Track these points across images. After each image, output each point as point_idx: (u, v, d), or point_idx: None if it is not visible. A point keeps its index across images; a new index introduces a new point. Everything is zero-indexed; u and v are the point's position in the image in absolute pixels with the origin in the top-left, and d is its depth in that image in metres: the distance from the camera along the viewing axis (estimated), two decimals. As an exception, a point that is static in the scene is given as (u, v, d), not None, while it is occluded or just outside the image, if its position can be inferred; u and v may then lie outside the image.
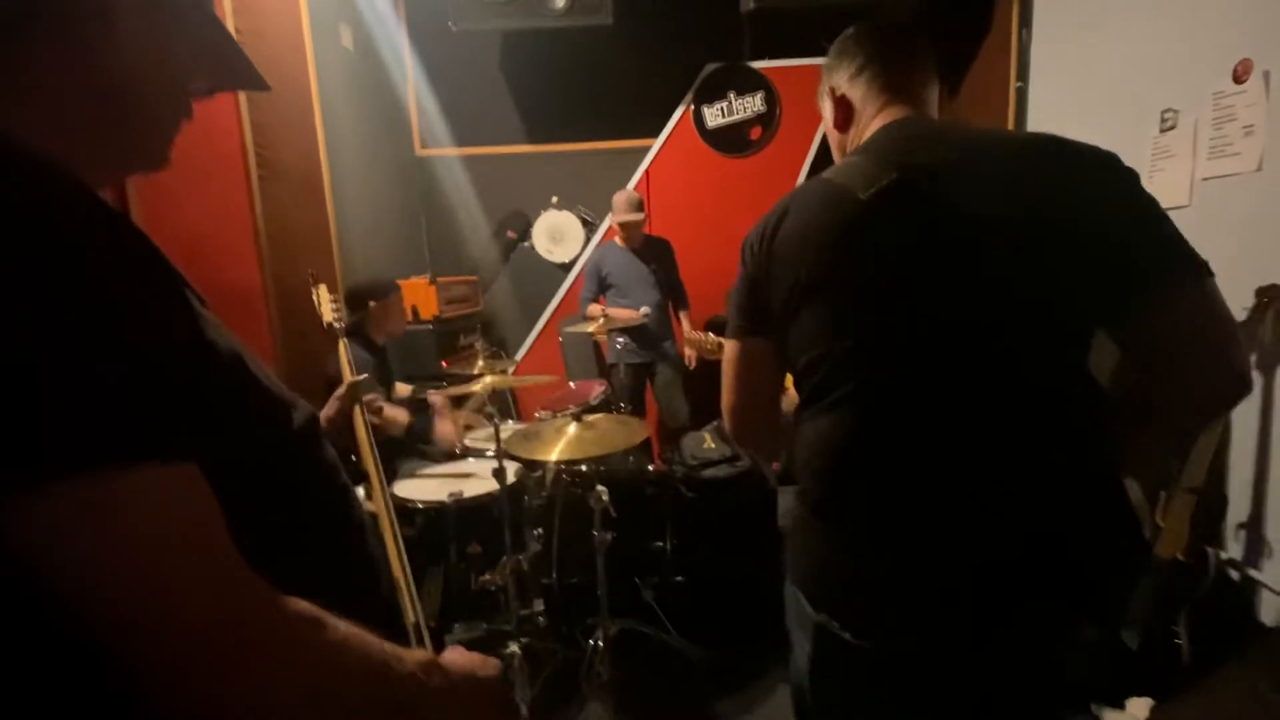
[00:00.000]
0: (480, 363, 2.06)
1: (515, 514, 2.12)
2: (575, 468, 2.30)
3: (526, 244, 4.07)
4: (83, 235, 0.42)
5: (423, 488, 2.18)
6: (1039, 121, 3.17)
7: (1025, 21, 3.15)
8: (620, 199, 3.31)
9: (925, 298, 0.79)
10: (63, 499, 0.38)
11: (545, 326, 4.11)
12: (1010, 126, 3.26)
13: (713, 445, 2.59)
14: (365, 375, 1.65)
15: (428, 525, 2.08)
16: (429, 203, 4.03)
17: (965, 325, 0.79)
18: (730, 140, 3.95)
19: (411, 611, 0.86)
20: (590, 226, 4.03)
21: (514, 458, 2.09)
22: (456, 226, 4.07)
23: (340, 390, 1.47)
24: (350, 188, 3.17)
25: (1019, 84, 3.21)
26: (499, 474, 1.91)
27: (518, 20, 3.33)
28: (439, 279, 3.44)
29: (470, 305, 3.79)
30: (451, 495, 2.05)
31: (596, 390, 2.95)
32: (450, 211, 4.06)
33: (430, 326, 3.33)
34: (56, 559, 0.38)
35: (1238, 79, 2.08)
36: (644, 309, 3.24)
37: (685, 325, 3.57)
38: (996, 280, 0.78)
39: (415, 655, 0.56)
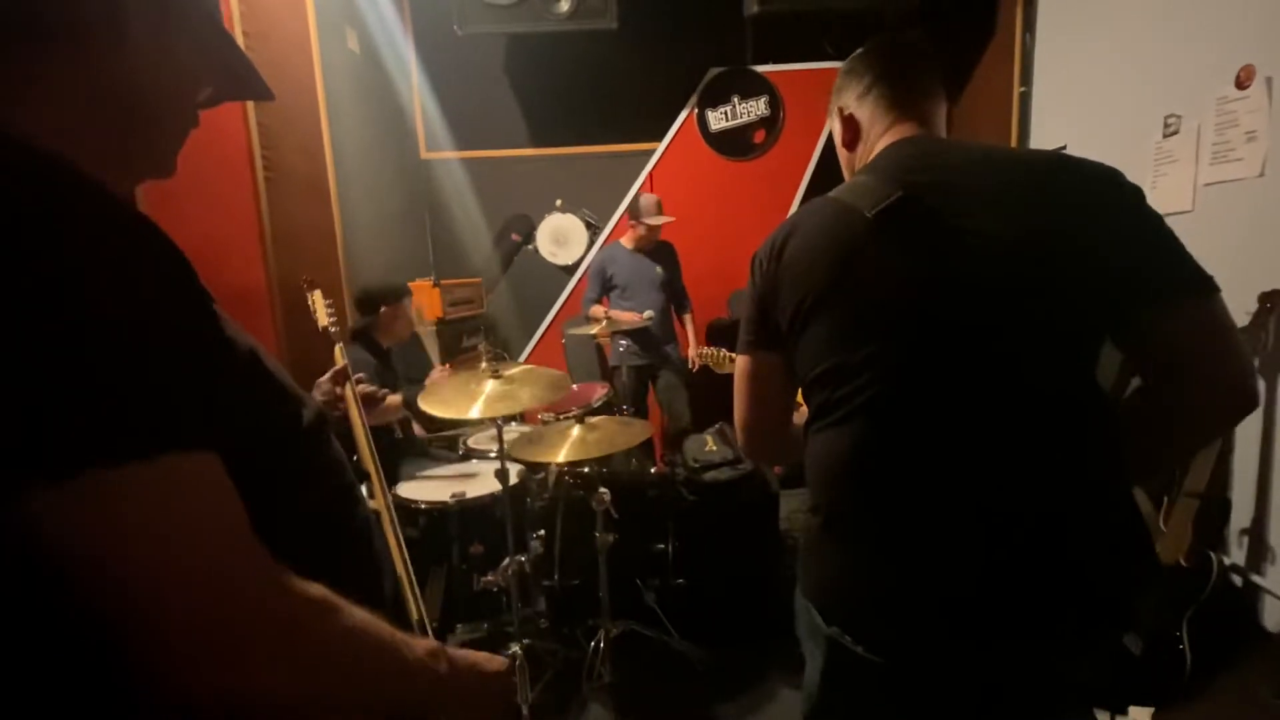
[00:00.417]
0: (483, 365, 2.07)
1: (517, 515, 2.13)
2: (577, 469, 2.31)
3: (530, 247, 4.08)
4: (107, 234, 0.43)
5: (425, 488, 2.19)
6: (1042, 126, 3.17)
7: (1029, 26, 3.16)
8: (648, 201, 3.33)
9: (931, 313, 0.80)
10: (89, 490, 0.39)
11: (548, 329, 4.12)
12: (1013, 130, 3.27)
13: (714, 448, 2.59)
14: (362, 375, 1.65)
15: (430, 525, 2.09)
16: (433, 205, 4.05)
17: (972, 340, 0.79)
18: (734, 144, 3.96)
19: (415, 609, 0.87)
20: (594, 230, 4.04)
21: (517, 460, 2.10)
22: (460, 229, 4.09)
23: (324, 377, 1.47)
24: (355, 190, 3.18)
25: (1022, 88, 3.21)
26: (501, 475, 1.91)
27: (522, 24, 3.35)
28: (443, 281, 3.45)
29: (474, 307, 3.80)
30: (454, 496, 2.06)
31: (599, 392, 2.95)
32: (454, 214, 4.07)
33: (434, 328, 3.35)
34: (82, 548, 0.39)
35: (1240, 84, 2.08)
36: (647, 313, 3.24)
37: (689, 331, 3.58)
38: (1002, 296, 0.79)
39: (423, 643, 0.57)
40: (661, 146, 3.96)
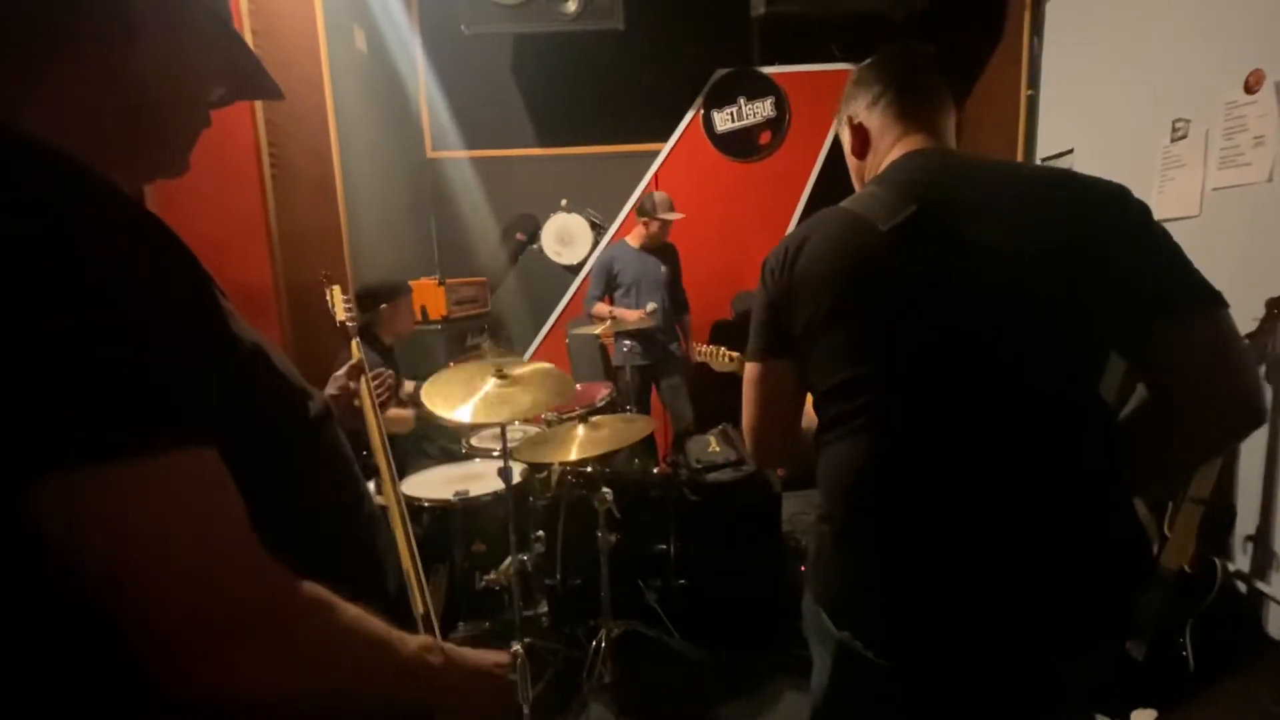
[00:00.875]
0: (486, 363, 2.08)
1: (520, 514, 2.13)
2: (580, 469, 2.31)
3: (535, 246, 4.09)
4: (112, 231, 0.44)
5: (429, 486, 2.19)
6: (1049, 130, 3.16)
7: (1037, 29, 3.15)
8: (662, 197, 3.35)
9: (944, 327, 0.82)
10: (89, 483, 0.39)
11: (552, 328, 4.13)
12: (1020, 135, 3.26)
13: (718, 449, 2.59)
14: (383, 368, 1.66)
15: (433, 523, 2.09)
16: (439, 204, 4.06)
17: (983, 354, 0.81)
18: (739, 145, 3.96)
19: (421, 603, 0.88)
20: (599, 230, 4.04)
21: (521, 459, 2.11)
22: (466, 228, 4.10)
23: (341, 371, 1.48)
24: (362, 188, 3.20)
25: (1030, 92, 3.20)
26: (505, 474, 1.92)
27: (529, 24, 3.36)
28: (448, 280, 3.46)
29: (478, 306, 3.81)
30: (457, 494, 2.06)
31: (602, 392, 2.96)
32: (460, 213, 4.08)
33: (438, 327, 3.36)
34: (81, 541, 0.40)
35: (1249, 89, 2.07)
36: (650, 305, 3.24)
37: (683, 335, 3.59)
38: (1012, 311, 0.80)
39: (417, 638, 0.58)
40: (667, 147, 3.97)
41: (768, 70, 3.89)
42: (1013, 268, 0.80)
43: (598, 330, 2.99)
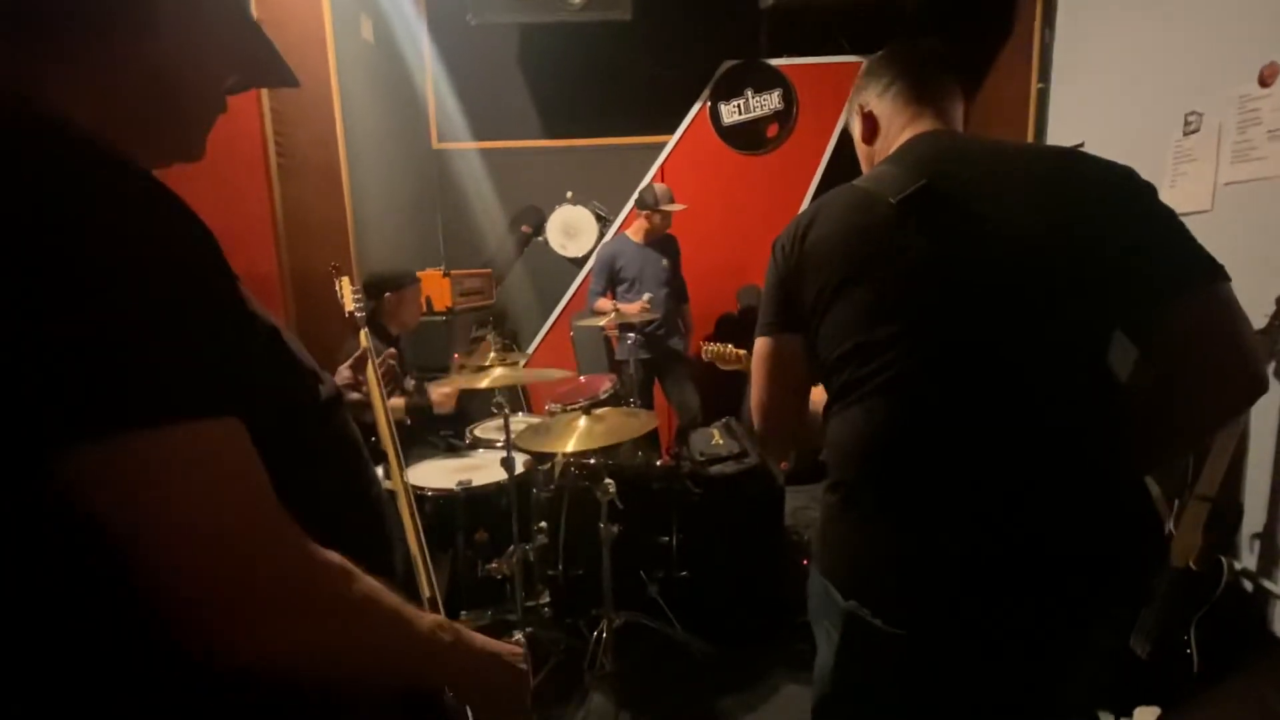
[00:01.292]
0: (492, 354, 2.08)
1: (523, 504, 2.14)
2: (583, 460, 2.32)
3: (540, 238, 4.09)
4: (142, 207, 0.45)
5: (432, 475, 2.20)
6: (1060, 122, 3.13)
7: (1048, 21, 3.11)
8: (663, 190, 3.33)
9: (951, 294, 0.83)
10: (122, 450, 0.41)
11: (557, 320, 4.13)
12: (1030, 127, 3.22)
13: (721, 442, 2.59)
14: (391, 351, 1.67)
15: (436, 512, 2.10)
16: (445, 195, 4.06)
17: (990, 320, 0.82)
18: (746, 137, 3.94)
19: (427, 587, 0.90)
20: (604, 222, 4.03)
21: (524, 450, 2.11)
22: (471, 219, 4.10)
23: (345, 365, 1.49)
24: (368, 178, 3.20)
25: (1040, 85, 3.17)
26: (508, 464, 1.92)
27: (536, 14, 3.35)
28: (453, 271, 3.47)
29: (484, 298, 3.81)
30: (460, 483, 2.07)
31: (605, 385, 2.96)
32: (466, 204, 4.08)
33: (444, 318, 3.36)
34: (114, 506, 0.41)
35: (1264, 82, 2.04)
36: (646, 296, 3.23)
37: (687, 328, 3.58)
38: (1020, 278, 0.81)
39: (431, 615, 0.59)
40: (673, 139, 3.95)
41: (775, 62, 3.87)
42: (1020, 237, 0.81)
43: (602, 323, 2.99)
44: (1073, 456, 0.81)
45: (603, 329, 3.43)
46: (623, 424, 2.01)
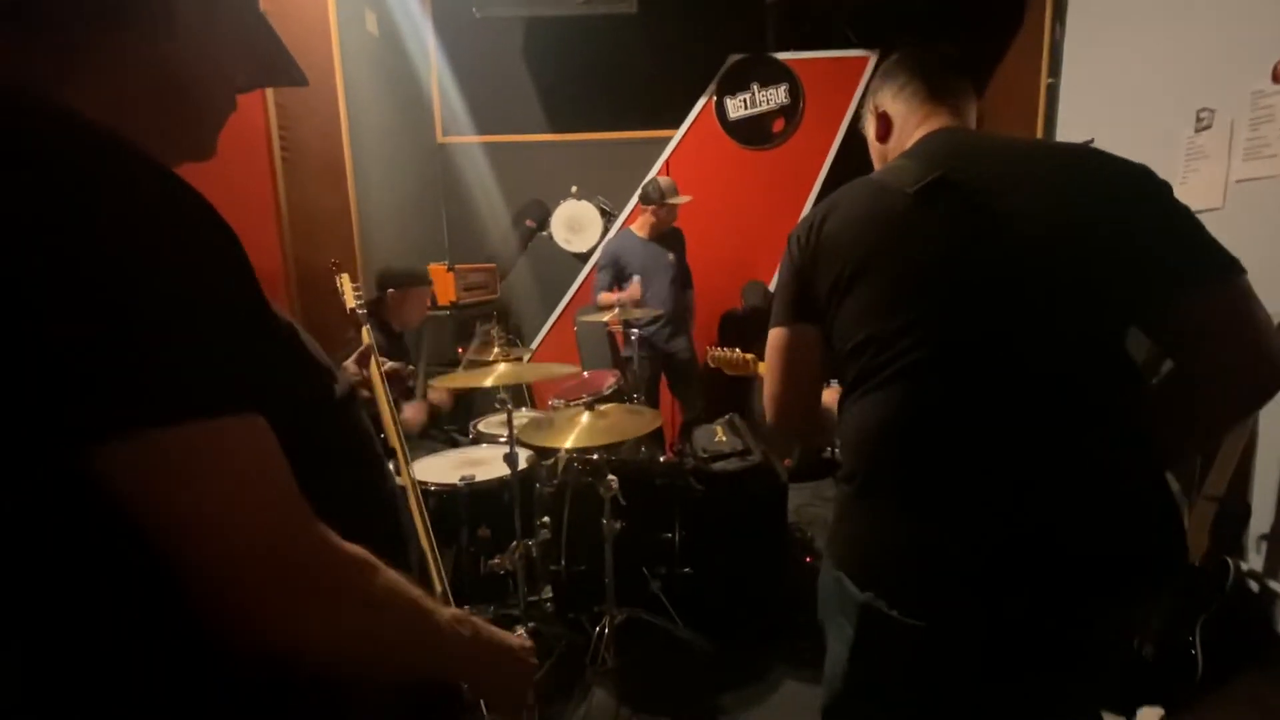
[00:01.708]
0: (495, 349, 2.08)
1: (526, 500, 2.14)
2: (586, 456, 2.31)
3: (545, 233, 4.08)
4: (170, 205, 0.46)
5: (435, 470, 2.20)
6: (1070, 119, 3.10)
7: (1059, 16, 3.08)
8: (667, 182, 3.31)
9: (967, 283, 0.83)
10: (153, 445, 0.42)
11: (561, 315, 4.12)
12: (1040, 123, 3.20)
13: (724, 438, 2.59)
14: (411, 369, 1.68)
15: (439, 507, 2.10)
16: (449, 190, 4.05)
17: (1006, 308, 0.82)
18: (752, 132, 3.92)
19: (439, 582, 0.91)
20: (609, 217, 4.02)
21: (527, 445, 2.11)
22: (476, 214, 4.09)
23: (350, 359, 1.50)
24: (372, 173, 3.19)
25: (1050, 80, 3.14)
26: (511, 460, 1.92)
27: (541, 7, 3.33)
28: (457, 266, 3.47)
29: (488, 293, 3.81)
30: (463, 479, 2.07)
31: (609, 381, 2.95)
32: (470, 199, 4.08)
33: (447, 312, 3.36)
34: (147, 498, 0.42)
35: (1277, 78, 2.02)
36: (635, 279, 3.21)
37: (690, 315, 3.56)
38: (1036, 269, 0.82)
39: (450, 609, 0.60)
40: (679, 134, 3.93)
41: (782, 56, 3.84)
42: (1036, 229, 0.81)
43: (606, 318, 2.98)
44: (1089, 448, 0.81)
45: (606, 325, 3.42)
46: (626, 421, 2.01)
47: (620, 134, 3.97)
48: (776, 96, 3.87)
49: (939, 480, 0.83)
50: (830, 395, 1.02)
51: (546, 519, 2.23)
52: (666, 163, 3.94)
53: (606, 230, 3.99)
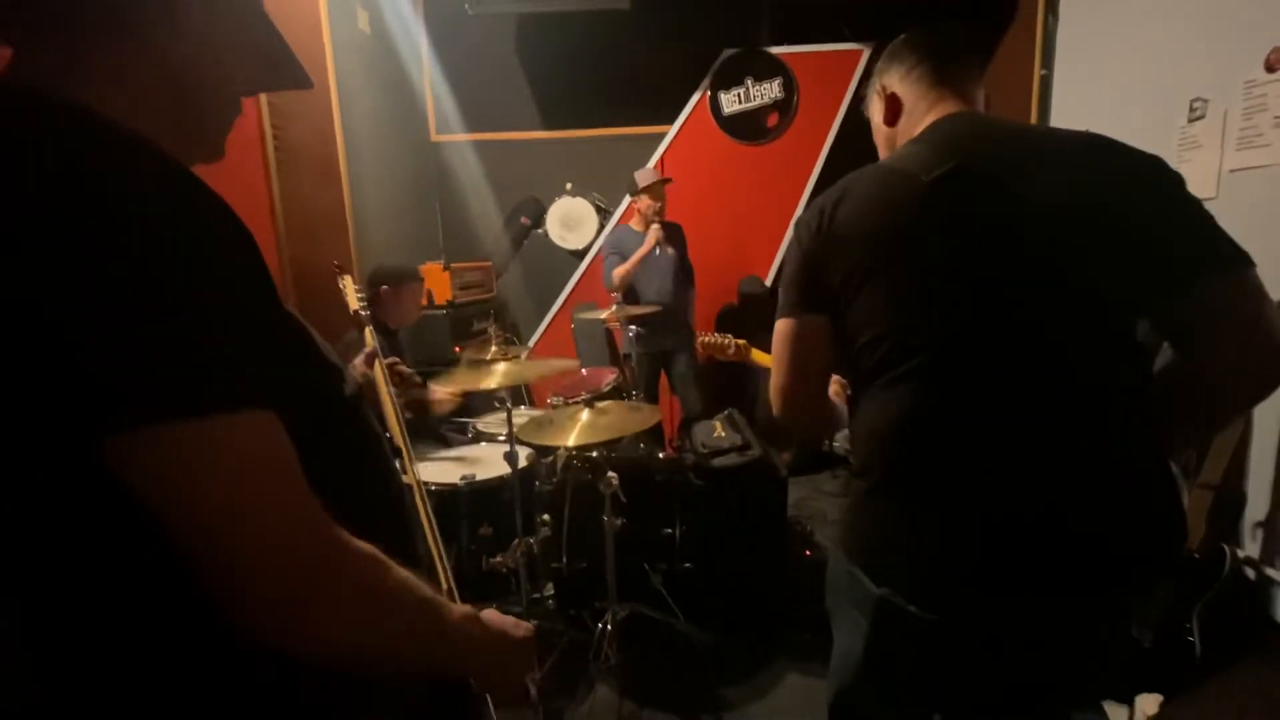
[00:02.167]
0: (493, 348, 2.08)
1: (526, 498, 2.14)
2: (586, 453, 2.31)
3: (540, 230, 4.07)
4: (194, 207, 0.47)
5: (435, 470, 2.20)
6: (1063, 110, 3.11)
7: (1051, 7, 3.08)
8: (642, 171, 3.33)
9: (985, 279, 0.82)
10: (169, 440, 0.42)
11: (558, 313, 4.12)
12: (1033, 115, 3.20)
13: (723, 434, 2.59)
14: (395, 359, 1.66)
15: (440, 507, 2.08)
16: (443, 188, 4.04)
17: (1022, 305, 0.82)
18: (747, 127, 3.91)
19: (445, 580, 0.91)
20: (604, 214, 4.01)
21: (527, 444, 2.11)
22: (470, 212, 4.08)
23: (357, 359, 1.50)
24: (366, 171, 3.18)
25: (1043, 71, 3.14)
26: (511, 458, 1.92)
27: (534, 4, 3.32)
28: (453, 264, 3.45)
29: (484, 291, 3.80)
30: (464, 478, 2.07)
31: (608, 378, 2.95)
32: (464, 197, 4.06)
33: (444, 311, 3.35)
34: (162, 491, 0.43)
35: (1270, 67, 2.02)
36: (653, 226, 3.19)
37: (691, 311, 3.56)
38: (1054, 265, 0.81)
39: (460, 606, 0.61)
40: (673, 129, 3.93)
41: (776, 50, 3.84)
42: (1052, 220, 0.81)
43: (603, 315, 2.98)
44: (1105, 442, 0.81)
45: (604, 322, 3.42)
46: (625, 418, 2.01)
47: (614, 130, 3.96)
48: (771, 91, 3.86)
49: (956, 477, 0.83)
50: (834, 386, 1.01)
51: (547, 516, 2.23)
52: (661, 158, 3.93)
53: (602, 227, 3.99)
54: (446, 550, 2.16)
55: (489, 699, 0.76)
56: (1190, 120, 2.31)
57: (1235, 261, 0.79)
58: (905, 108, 1.00)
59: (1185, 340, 0.83)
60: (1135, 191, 0.81)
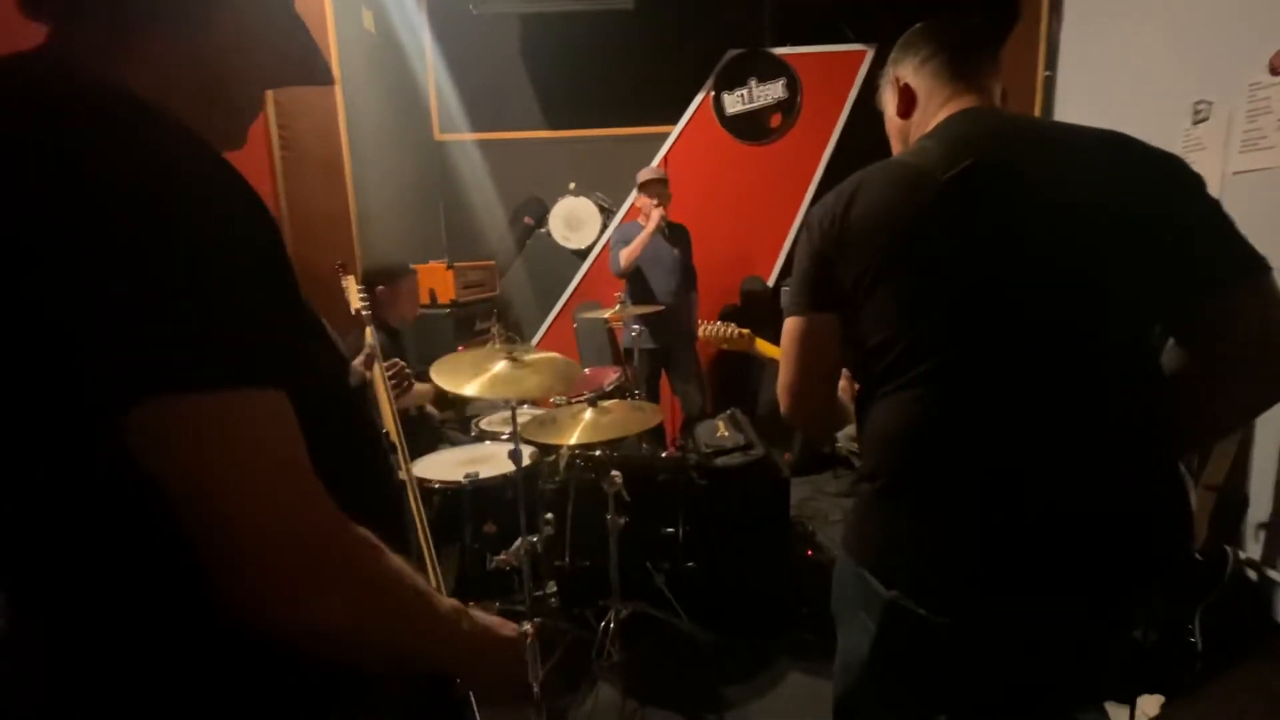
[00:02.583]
0: (496, 347, 2.08)
1: (530, 496, 2.14)
2: (589, 452, 2.32)
3: (543, 230, 4.08)
4: (224, 186, 0.47)
5: (439, 468, 2.21)
6: (1067, 112, 3.11)
7: (1055, 9, 3.08)
8: (643, 170, 3.34)
9: (1000, 281, 0.81)
10: (181, 410, 0.43)
11: (560, 312, 4.13)
12: (1037, 116, 3.20)
13: (726, 433, 2.60)
14: (397, 362, 1.67)
15: (444, 505, 2.10)
16: (447, 187, 4.05)
17: (1038, 308, 0.81)
18: (750, 127, 3.92)
19: (434, 579, 0.91)
20: (607, 213, 4.02)
21: (530, 442, 2.12)
22: (474, 211, 4.09)
23: (357, 360, 1.51)
24: (370, 171, 3.19)
25: (1047, 73, 3.14)
26: (515, 456, 1.93)
27: (538, 4, 3.33)
28: (456, 263, 3.46)
29: (487, 290, 3.81)
30: (467, 476, 2.07)
31: (610, 377, 2.96)
32: (468, 196, 4.07)
33: (447, 310, 3.36)
34: (170, 463, 0.43)
35: (1274, 70, 2.02)
36: (655, 212, 3.17)
37: (694, 314, 3.57)
38: (1071, 267, 0.80)
39: (449, 600, 0.60)
40: (676, 129, 3.93)
41: (779, 51, 3.84)
42: (1071, 222, 0.80)
43: (606, 314, 2.98)
44: (1119, 443, 0.81)
45: (606, 321, 3.42)
46: (628, 417, 2.02)
47: (618, 130, 3.97)
48: (774, 91, 3.86)
49: (968, 480, 0.82)
50: (841, 383, 1.00)
51: (550, 515, 2.24)
52: (665, 158, 3.94)
53: (605, 226, 3.99)
54: (450, 548, 2.18)
55: (473, 701, 0.75)
56: (1194, 122, 2.31)
57: (1254, 267, 0.78)
58: (919, 100, 0.97)
59: (1200, 344, 0.82)
60: (1156, 192, 0.80)
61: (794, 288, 0.95)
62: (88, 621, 0.47)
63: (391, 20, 3.55)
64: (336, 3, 2.85)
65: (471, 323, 3.55)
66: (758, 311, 3.90)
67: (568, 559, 2.25)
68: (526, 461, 2.07)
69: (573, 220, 4.04)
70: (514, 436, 1.93)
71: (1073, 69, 3.06)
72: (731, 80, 3.87)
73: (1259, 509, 2.05)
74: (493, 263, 3.96)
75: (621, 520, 2.06)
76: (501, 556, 1.98)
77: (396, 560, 0.54)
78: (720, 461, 2.40)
